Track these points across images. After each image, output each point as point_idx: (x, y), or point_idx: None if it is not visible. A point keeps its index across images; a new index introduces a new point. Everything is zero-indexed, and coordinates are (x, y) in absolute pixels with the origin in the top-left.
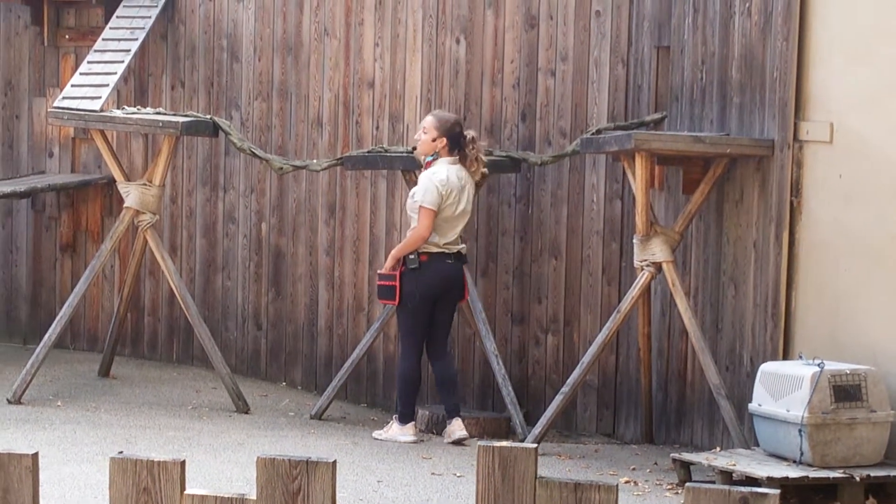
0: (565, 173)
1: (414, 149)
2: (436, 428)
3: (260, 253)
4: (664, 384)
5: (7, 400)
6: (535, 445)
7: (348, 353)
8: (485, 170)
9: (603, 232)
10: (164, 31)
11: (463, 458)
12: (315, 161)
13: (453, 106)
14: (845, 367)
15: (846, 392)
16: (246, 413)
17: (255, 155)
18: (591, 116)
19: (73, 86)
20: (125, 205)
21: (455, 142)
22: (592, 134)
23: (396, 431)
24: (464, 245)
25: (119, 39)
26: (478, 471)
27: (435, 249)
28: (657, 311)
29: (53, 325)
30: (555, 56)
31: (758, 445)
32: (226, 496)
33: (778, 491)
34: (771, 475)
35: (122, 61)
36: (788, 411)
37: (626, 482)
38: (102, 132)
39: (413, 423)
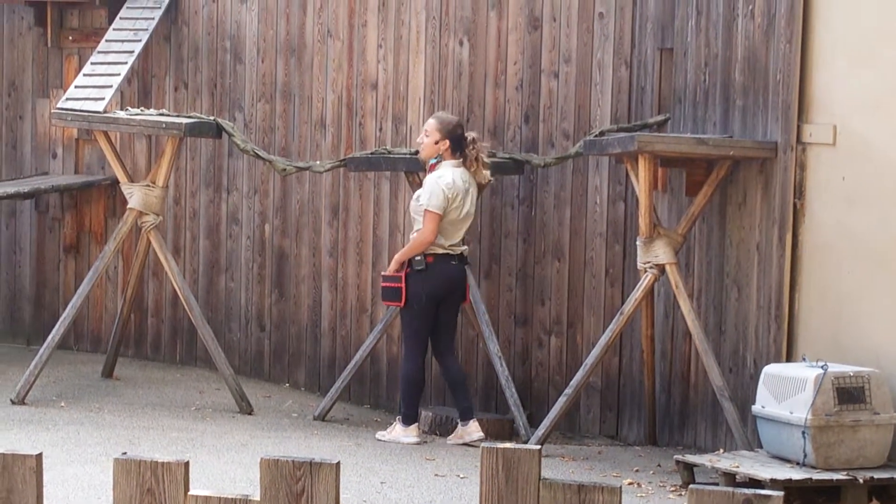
0: (568, 175)
1: (417, 152)
2: (439, 429)
3: (263, 254)
4: (667, 386)
5: (11, 401)
6: (539, 447)
7: (352, 354)
8: (491, 178)
9: (606, 234)
10: (168, 33)
11: (466, 460)
12: (318, 162)
13: (456, 108)
14: (849, 369)
15: (849, 394)
16: (249, 414)
17: (258, 156)
18: (594, 118)
19: (76, 87)
20: (129, 206)
21: (457, 144)
22: (596, 136)
23: (400, 433)
24: (466, 247)
25: (122, 41)
26: (481, 472)
27: (440, 251)
28: (660, 313)
29: (57, 326)
30: (558, 58)
31: (761, 447)
32: (229, 497)
33: (781, 493)
34: (774, 477)
35: (126, 62)
36: (792, 413)
37: (630, 484)
38: (106, 133)
39: (416, 424)
